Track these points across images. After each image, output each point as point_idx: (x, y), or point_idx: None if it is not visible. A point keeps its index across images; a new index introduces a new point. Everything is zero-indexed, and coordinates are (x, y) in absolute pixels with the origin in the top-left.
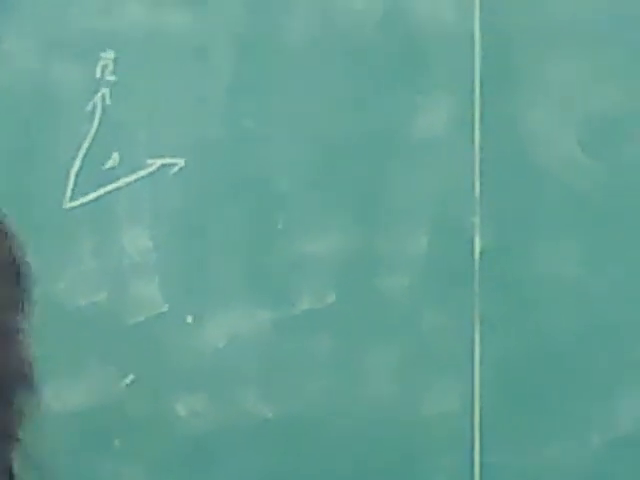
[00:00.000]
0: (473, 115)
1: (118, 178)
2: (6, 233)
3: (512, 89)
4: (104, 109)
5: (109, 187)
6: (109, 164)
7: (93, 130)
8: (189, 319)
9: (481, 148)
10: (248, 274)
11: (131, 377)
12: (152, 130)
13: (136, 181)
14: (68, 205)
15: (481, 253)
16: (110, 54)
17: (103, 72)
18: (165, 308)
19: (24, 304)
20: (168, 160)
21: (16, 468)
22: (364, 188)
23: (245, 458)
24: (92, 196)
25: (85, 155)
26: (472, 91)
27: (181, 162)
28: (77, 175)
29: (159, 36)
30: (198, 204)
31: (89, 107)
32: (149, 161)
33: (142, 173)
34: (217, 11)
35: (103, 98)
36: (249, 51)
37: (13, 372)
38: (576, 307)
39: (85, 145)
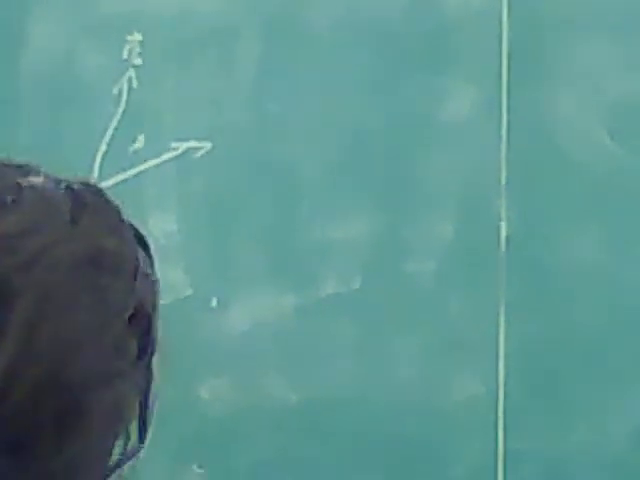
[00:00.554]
0: (500, 101)
1: (144, 161)
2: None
3: (539, 75)
4: (130, 92)
5: (135, 170)
6: (135, 147)
7: (119, 113)
8: (214, 303)
9: (508, 134)
10: (273, 258)
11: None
12: (178, 113)
13: (162, 164)
14: None
15: (507, 239)
16: (137, 37)
17: (130, 55)
18: (190, 292)
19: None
20: (194, 144)
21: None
22: (390, 173)
23: (268, 441)
24: (118, 178)
25: (111, 138)
26: (499, 77)
27: (207, 146)
28: (103, 157)
29: (186, 19)
30: (224, 188)
31: (115, 90)
32: (175, 144)
33: (168, 156)
34: None
35: (130, 81)
36: (276, 35)
37: None
38: (601, 293)
39: (111, 128)
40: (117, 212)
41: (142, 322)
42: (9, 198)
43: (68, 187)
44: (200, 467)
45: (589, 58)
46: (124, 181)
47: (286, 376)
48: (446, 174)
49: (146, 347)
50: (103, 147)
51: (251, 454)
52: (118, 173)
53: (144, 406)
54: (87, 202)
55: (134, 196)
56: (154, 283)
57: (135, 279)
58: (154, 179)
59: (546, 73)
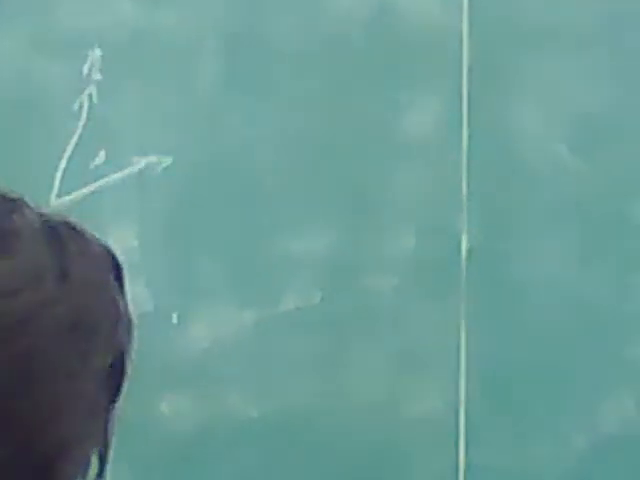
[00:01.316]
0: (461, 115)
1: (105, 176)
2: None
3: (500, 89)
4: (91, 107)
5: (96, 185)
6: (96, 162)
7: (80, 128)
8: (174, 318)
9: (468, 148)
10: (234, 274)
11: None
12: (139, 128)
13: (122, 179)
14: (54, 202)
15: (468, 252)
16: (97, 52)
17: (90, 70)
18: (151, 307)
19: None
20: (155, 159)
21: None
22: (351, 187)
23: (230, 457)
24: (78, 194)
25: (72, 153)
26: (460, 91)
27: (168, 160)
28: (64, 173)
29: (146, 35)
30: (184, 203)
31: (76, 105)
32: (136, 159)
33: (129, 171)
34: (204, 10)
35: (90, 96)
36: (236, 50)
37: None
38: (562, 308)
39: (72, 143)
40: (102, 255)
41: (117, 370)
42: None
43: (53, 232)
44: None
45: (549, 72)
46: (85, 196)
47: (247, 391)
48: (407, 188)
49: (117, 394)
50: (64, 162)
51: (212, 469)
52: (79, 188)
53: (106, 446)
54: (74, 253)
55: (95, 211)
56: (129, 324)
57: (116, 333)
58: (115, 194)
59: (506, 87)
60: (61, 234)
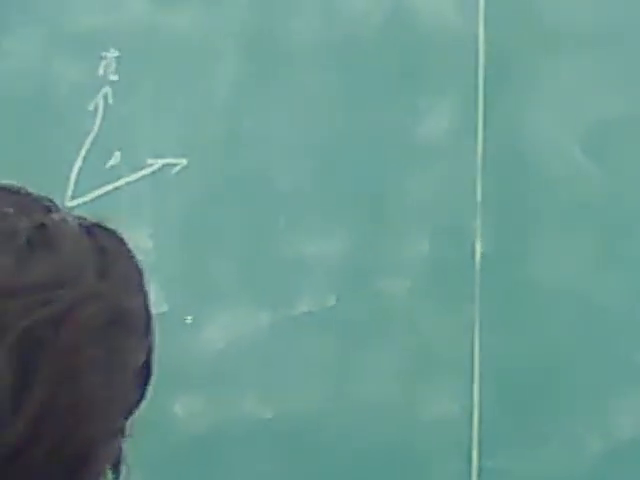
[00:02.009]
0: (476, 119)
1: (120, 177)
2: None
3: (515, 94)
4: (106, 108)
5: (110, 186)
6: (111, 163)
7: (95, 129)
8: (188, 320)
9: (483, 152)
10: (248, 275)
11: None
12: (154, 129)
13: (137, 180)
14: (69, 204)
15: (482, 257)
16: (113, 53)
17: (106, 71)
18: (165, 308)
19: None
20: (170, 160)
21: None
22: (366, 190)
23: (243, 459)
24: (93, 195)
25: (87, 154)
26: (475, 95)
27: (183, 162)
28: (79, 173)
29: (162, 35)
30: (199, 204)
31: (91, 106)
32: (151, 161)
33: (144, 172)
34: (220, 10)
35: (105, 97)
36: (252, 51)
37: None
38: (576, 312)
39: (87, 144)
40: (134, 262)
41: (147, 369)
42: (38, 238)
43: (89, 231)
44: None
45: (565, 75)
46: (100, 197)
47: (261, 393)
48: (422, 191)
49: (144, 394)
50: (79, 163)
51: (226, 471)
52: (94, 189)
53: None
54: (111, 252)
55: (110, 212)
56: (154, 329)
57: (149, 331)
58: (130, 195)
59: (522, 91)
60: (97, 234)
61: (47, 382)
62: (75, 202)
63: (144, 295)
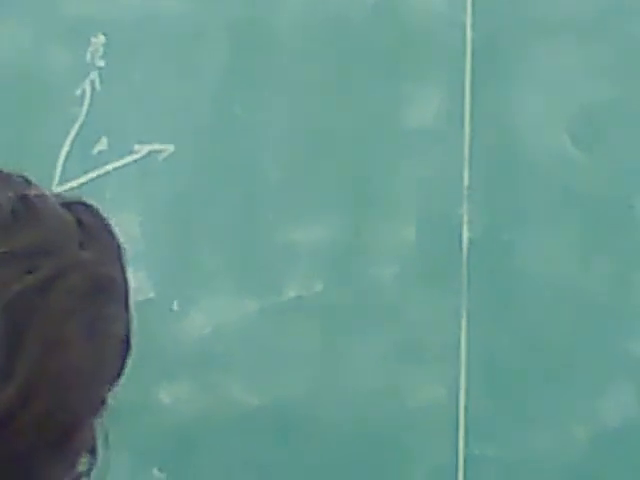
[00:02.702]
0: (463, 106)
1: (106, 163)
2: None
3: (502, 81)
4: (93, 94)
5: (97, 172)
6: (98, 149)
7: (82, 115)
8: (175, 306)
9: (470, 139)
10: (235, 262)
11: None
12: (141, 116)
13: (124, 166)
14: (56, 189)
15: (469, 244)
16: (100, 39)
17: (93, 57)
18: (152, 295)
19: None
20: (157, 146)
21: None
22: (353, 177)
23: (230, 446)
24: (80, 180)
25: (74, 139)
26: (462, 82)
27: (170, 148)
28: (65, 159)
29: (150, 21)
30: (186, 191)
31: (78, 92)
32: (138, 147)
33: (131, 159)
34: None
35: (93, 83)
36: (240, 38)
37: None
38: (563, 299)
39: (74, 129)
40: (113, 234)
41: (128, 342)
42: (21, 209)
43: (67, 206)
44: (160, 471)
45: (553, 64)
46: (86, 183)
47: (248, 379)
48: (409, 178)
49: (122, 370)
50: (66, 149)
51: (212, 458)
52: (81, 175)
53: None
54: (90, 225)
55: (96, 198)
56: (132, 304)
57: (129, 303)
58: (116, 181)
59: (509, 79)
60: (75, 208)
61: (37, 347)
62: (62, 188)
63: (123, 268)
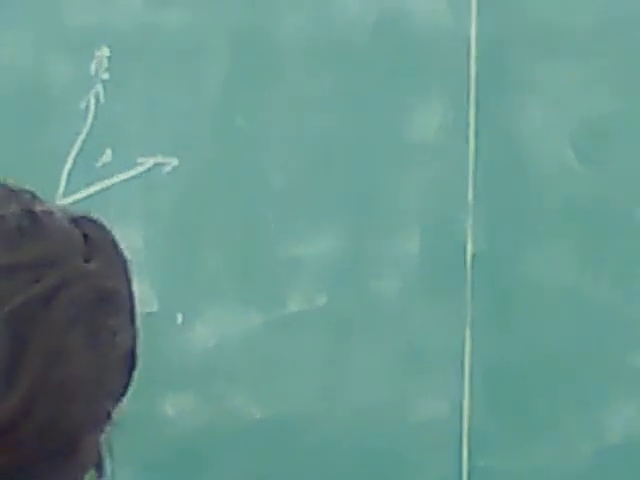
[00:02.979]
0: (467, 119)
1: (111, 176)
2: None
3: (507, 93)
4: (98, 106)
5: (101, 185)
6: (102, 162)
7: (86, 127)
8: (179, 319)
9: (475, 152)
10: (239, 274)
11: None
12: (146, 128)
13: (129, 179)
14: (60, 202)
15: (473, 257)
16: (104, 51)
17: (97, 69)
18: (155, 307)
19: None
20: (161, 159)
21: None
22: (357, 190)
23: (233, 458)
24: (84, 193)
25: (78, 152)
26: (467, 95)
27: (174, 161)
28: (70, 172)
29: (154, 34)
30: (190, 204)
31: (83, 104)
32: (142, 159)
33: (135, 171)
34: (212, 9)
35: (97, 95)
36: (244, 50)
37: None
38: (567, 313)
39: (78, 142)
40: (118, 249)
41: (133, 355)
42: (27, 223)
43: (74, 220)
44: None
45: (557, 77)
46: (90, 196)
47: (251, 393)
48: (413, 191)
49: (128, 384)
50: (70, 162)
51: (216, 470)
52: (85, 188)
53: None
54: (95, 239)
55: (100, 211)
56: (138, 320)
57: (134, 315)
58: (120, 194)
59: (514, 92)
60: (81, 223)
61: (40, 357)
62: (66, 200)
63: (129, 282)
